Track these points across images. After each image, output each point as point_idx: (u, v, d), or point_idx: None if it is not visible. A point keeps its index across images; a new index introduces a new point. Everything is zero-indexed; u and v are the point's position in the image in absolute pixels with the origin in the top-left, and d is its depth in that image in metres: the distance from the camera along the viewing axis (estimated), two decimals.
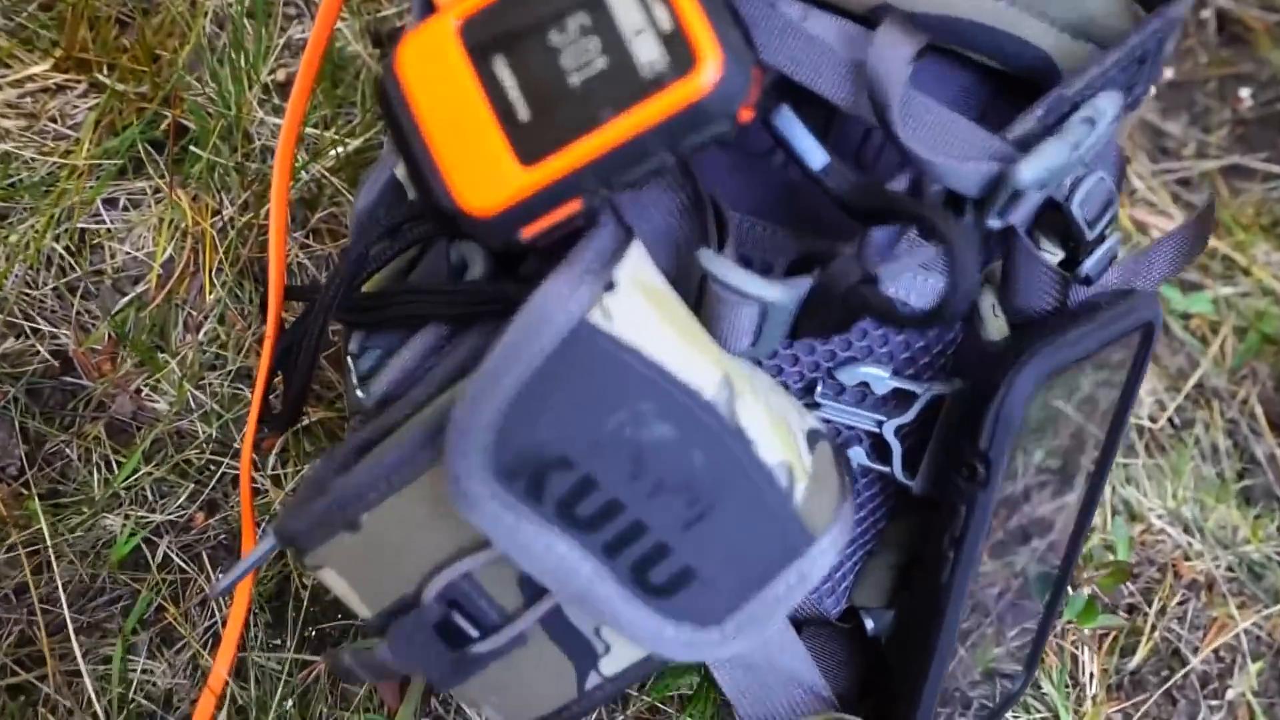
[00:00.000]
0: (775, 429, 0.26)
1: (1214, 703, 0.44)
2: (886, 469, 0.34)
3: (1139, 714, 0.43)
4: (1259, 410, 0.50)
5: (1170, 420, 0.49)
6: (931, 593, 0.33)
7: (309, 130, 0.47)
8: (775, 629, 0.33)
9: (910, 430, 0.34)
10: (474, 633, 0.28)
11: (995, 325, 0.33)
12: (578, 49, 0.23)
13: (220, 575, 0.39)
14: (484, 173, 0.23)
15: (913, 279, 0.30)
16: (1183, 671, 0.44)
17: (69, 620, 0.37)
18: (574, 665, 0.29)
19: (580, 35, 0.23)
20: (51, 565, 0.38)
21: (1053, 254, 0.30)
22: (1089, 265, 0.29)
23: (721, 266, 0.25)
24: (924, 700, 0.34)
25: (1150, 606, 0.45)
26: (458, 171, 0.24)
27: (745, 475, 0.25)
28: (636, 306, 0.24)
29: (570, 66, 0.23)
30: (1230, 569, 0.46)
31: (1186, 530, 0.47)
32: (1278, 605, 0.46)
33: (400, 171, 0.31)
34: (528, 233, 0.24)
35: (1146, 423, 0.49)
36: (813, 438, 0.28)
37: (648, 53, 0.22)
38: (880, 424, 0.34)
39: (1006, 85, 0.30)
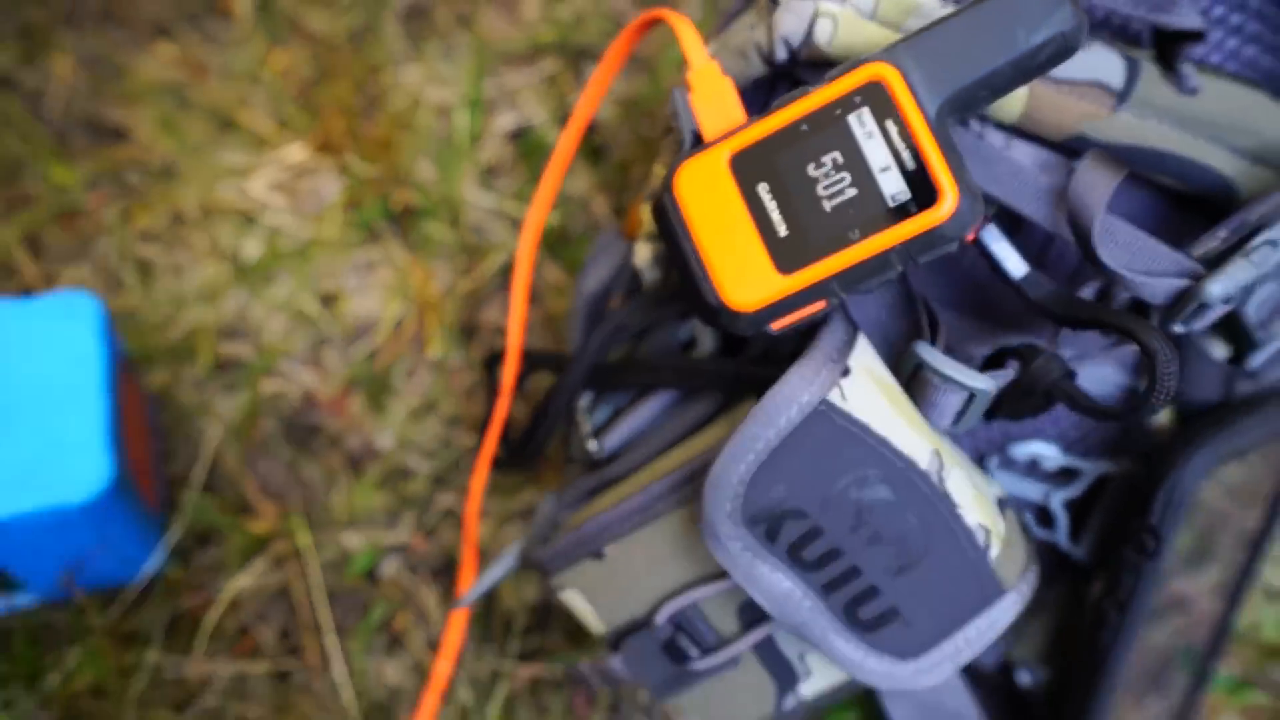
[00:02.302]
0: (976, 497, 0.31)
1: None
2: (1050, 537, 0.38)
3: None
4: None
5: None
6: (1092, 653, 0.36)
7: (511, 206, 0.54)
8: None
9: (1074, 502, 0.37)
10: (694, 653, 0.33)
11: (1163, 413, 0.37)
12: (831, 181, 0.28)
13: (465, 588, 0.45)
14: (747, 278, 0.29)
15: (1094, 373, 0.34)
16: None
17: (321, 621, 0.44)
18: (775, 687, 0.34)
19: (834, 170, 0.28)
20: (307, 572, 0.45)
21: (1221, 349, 0.34)
22: (1257, 361, 0.32)
23: (936, 358, 0.30)
24: None
25: None
26: (725, 276, 0.29)
27: (950, 533, 0.30)
28: (866, 389, 0.29)
29: (824, 194, 0.28)
30: None
31: None
32: None
33: (639, 258, 0.37)
34: (776, 326, 0.29)
35: None
36: (1002, 505, 0.33)
37: (892, 186, 0.28)
38: (1047, 495, 0.37)
39: (1180, 200, 0.35)
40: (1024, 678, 0.41)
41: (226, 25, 0.56)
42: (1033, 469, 0.38)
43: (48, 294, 0.44)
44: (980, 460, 0.37)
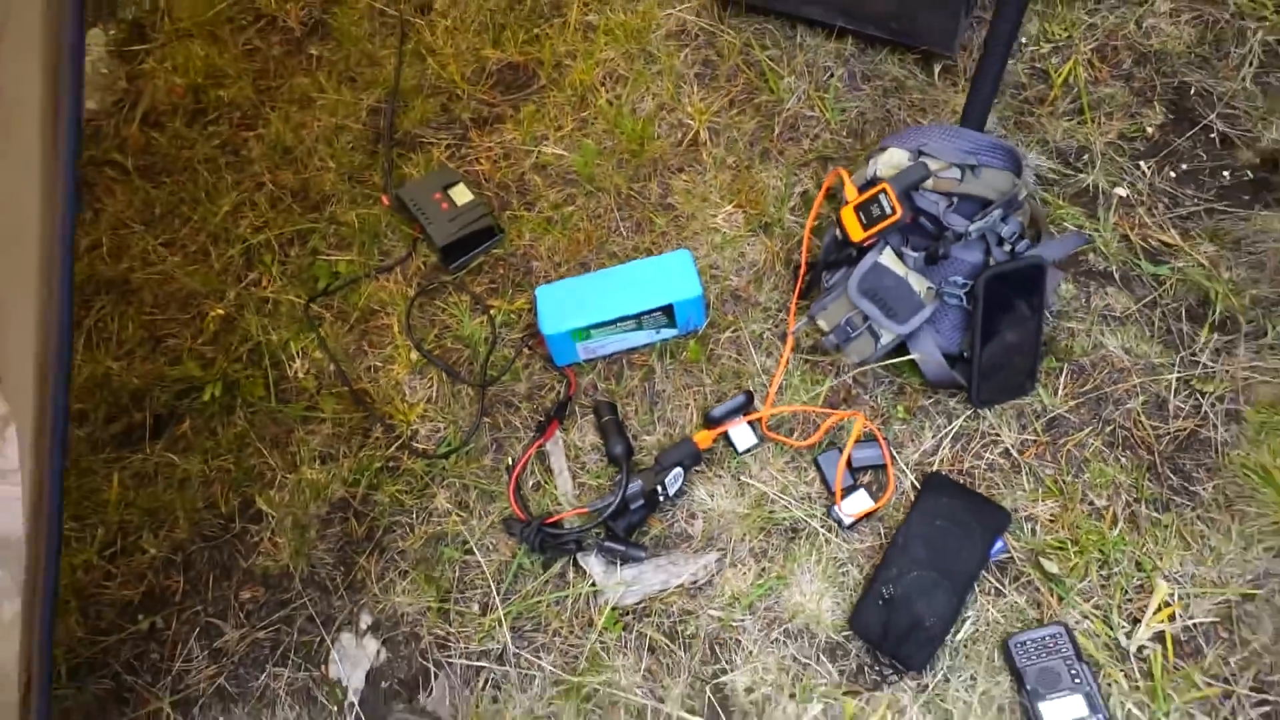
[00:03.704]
0: (919, 282, 1.26)
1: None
2: (964, 304, 1.30)
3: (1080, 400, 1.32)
4: None
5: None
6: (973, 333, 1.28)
7: (802, 220, 1.54)
8: (928, 337, 1.31)
9: (968, 293, 1.29)
10: (853, 331, 1.32)
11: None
12: (875, 209, 1.26)
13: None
14: (857, 233, 1.27)
15: (962, 255, 1.27)
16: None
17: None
18: (874, 341, 1.31)
19: (876, 208, 1.26)
20: (745, 335, 1.48)
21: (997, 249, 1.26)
22: (1018, 248, 1.25)
23: (907, 252, 1.26)
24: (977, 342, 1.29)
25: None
26: (852, 232, 1.28)
27: (910, 291, 1.26)
28: (889, 258, 1.26)
29: (875, 212, 1.26)
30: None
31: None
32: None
33: (840, 230, 1.35)
34: (865, 243, 1.27)
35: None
36: (929, 288, 1.27)
37: (887, 210, 1.25)
38: (960, 290, 1.30)
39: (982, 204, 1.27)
40: (964, 353, 1.33)
41: (703, 167, 1.64)
42: (955, 285, 1.30)
43: (675, 251, 1.52)
44: (940, 283, 1.31)
